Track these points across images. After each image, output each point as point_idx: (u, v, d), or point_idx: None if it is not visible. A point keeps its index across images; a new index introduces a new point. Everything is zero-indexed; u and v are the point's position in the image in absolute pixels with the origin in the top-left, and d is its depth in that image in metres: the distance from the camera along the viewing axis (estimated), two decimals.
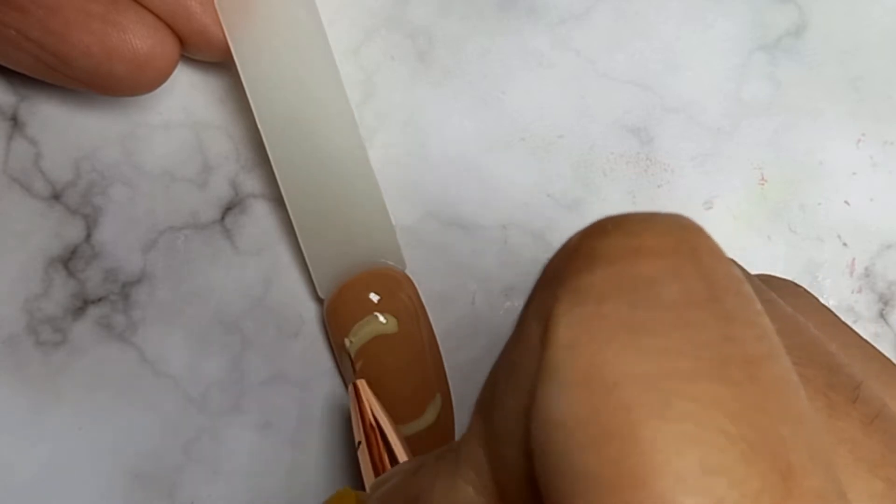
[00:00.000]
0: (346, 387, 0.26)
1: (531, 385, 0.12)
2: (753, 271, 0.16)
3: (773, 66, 0.28)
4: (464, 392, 0.26)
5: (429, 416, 0.25)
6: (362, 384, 0.23)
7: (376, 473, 0.22)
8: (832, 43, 0.28)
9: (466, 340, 0.26)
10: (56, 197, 0.26)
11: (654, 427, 0.11)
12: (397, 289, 0.25)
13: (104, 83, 0.24)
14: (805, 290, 0.18)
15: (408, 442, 0.24)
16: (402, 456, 0.22)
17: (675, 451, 0.11)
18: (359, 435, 0.23)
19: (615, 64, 0.28)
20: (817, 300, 0.18)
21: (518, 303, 0.27)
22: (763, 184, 0.28)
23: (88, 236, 0.26)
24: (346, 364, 0.25)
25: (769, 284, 0.16)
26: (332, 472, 0.26)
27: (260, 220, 0.27)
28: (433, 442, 0.25)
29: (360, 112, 0.27)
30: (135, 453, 0.25)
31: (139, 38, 0.23)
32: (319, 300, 0.26)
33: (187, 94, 0.27)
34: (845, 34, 0.28)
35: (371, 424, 0.22)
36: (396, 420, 0.25)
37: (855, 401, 0.14)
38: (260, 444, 0.26)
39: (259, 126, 0.25)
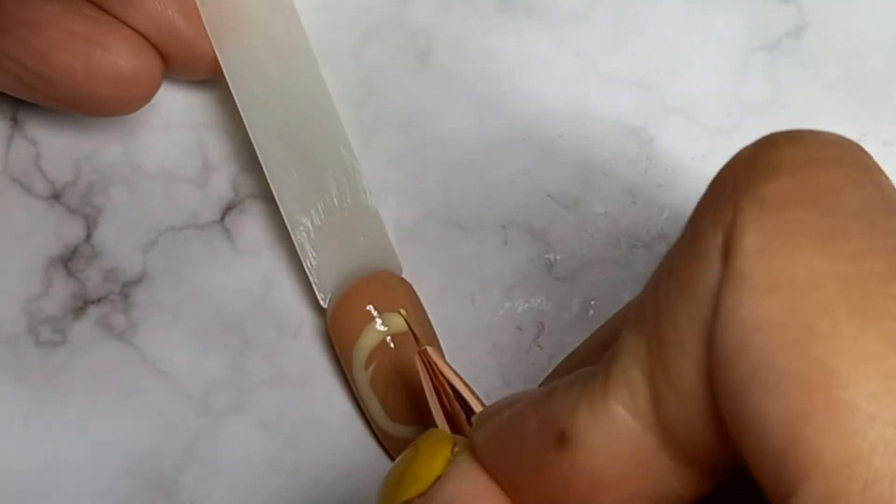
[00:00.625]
0: (354, 392, 0.26)
1: (713, 295, 0.12)
2: None
3: (773, 66, 0.28)
4: None
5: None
6: (430, 350, 0.22)
7: (451, 424, 0.21)
8: (832, 43, 0.28)
9: (466, 340, 0.26)
10: (56, 197, 0.26)
11: (859, 325, 0.11)
12: (397, 292, 0.25)
13: (88, 103, 0.24)
14: None
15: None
16: (479, 408, 0.21)
17: (881, 349, 0.11)
18: (431, 397, 0.21)
19: (615, 64, 0.28)
20: None
21: (518, 303, 0.27)
22: None
23: (88, 236, 0.26)
24: (360, 371, 0.25)
25: None
26: (332, 472, 0.26)
27: (260, 220, 0.27)
28: None
29: (360, 112, 0.27)
30: (135, 453, 0.25)
31: (123, 58, 0.23)
32: (319, 301, 0.26)
33: (187, 94, 0.27)
34: (845, 34, 0.28)
35: (441, 384, 0.21)
36: (414, 420, 0.25)
37: None
38: (260, 444, 0.26)
39: (251, 136, 0.25)
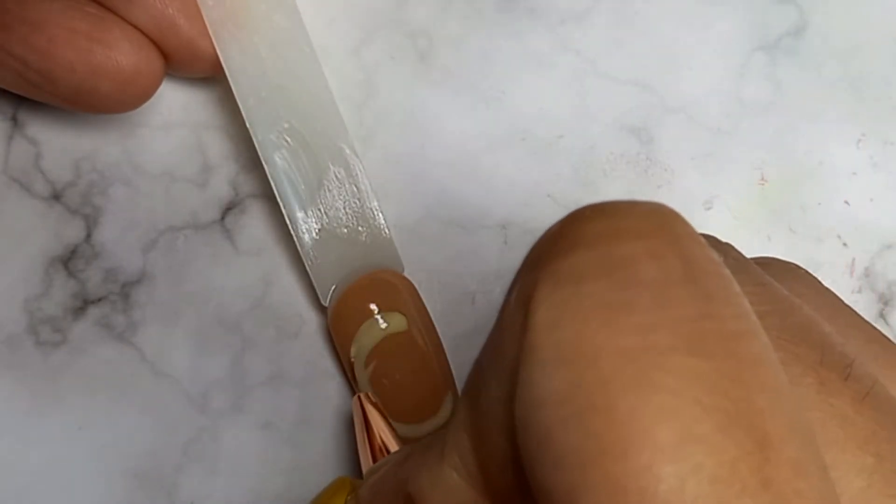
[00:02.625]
0: (354, 391, 0.26)
1: (513, 369, 0.13)
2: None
3: (773, 66, 0.28)
4: None
5: (445, 412, 0.25)
6: (364, 398, 0.23)
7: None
8: (832, 43, 0.28)
9: (466, 340, 0.27)
10: (56, 197, 0.26)
11: (633, 399, 0.11)
12: (398, 290, 0.25)
13: (88, 100, 0.24)
14: (807, 272, 0.18)
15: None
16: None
17: (653, 422, 0.11)
18: (363, 450, 0.23)
19: (615, 64, 0.28)
20: (819, 282, 0.18)
21: None
22: (763, 184, 0.28)
23: (88, 236, 0.26)
24: (360, 370, 0.25)
25: (770, 268, 0.17)
26: (332, 472, 0.26)
27: (260, 220, 0.27)
28: None
29: (360, 112, 0.27)
30: (135, 453, 0.25)
31: (124, 55, 0.23)
32: (319, 301, 0.26)
33: (187, 94, 0.27)
34: (845, 34, 0.28)
35: (379, 446, 0.23)
36: (415, 418, 0.25)
37: (847, 378, 0.14)
38: (260, 444, 0.26)
39: (252, 135, 0.25)
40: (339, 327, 0.25)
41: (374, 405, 0.23)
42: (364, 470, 0.23)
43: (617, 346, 0.12)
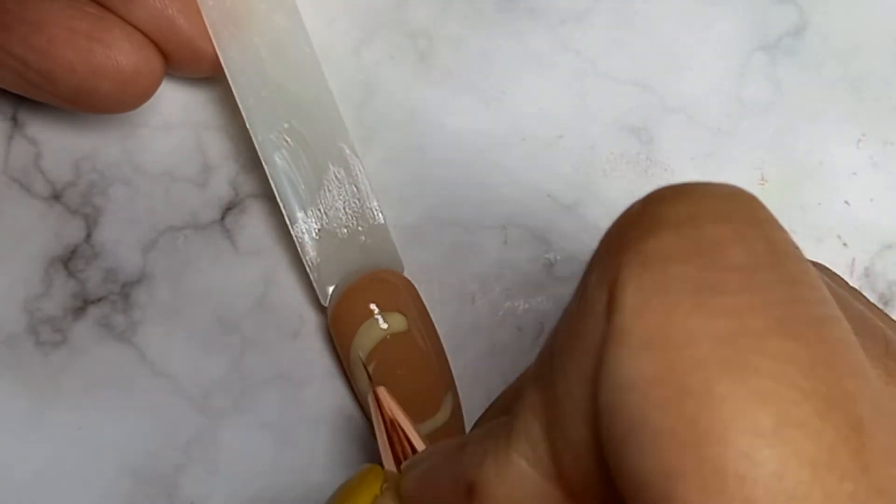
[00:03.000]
0: (354, 391, 0.26)
1: (597, 351, 0.12)
2: None
3: (773, 66, 0.28)
4: (465, 392, 0.26)
5: (445, 412, 0.25)
6: (382, 391, 0.23)
7: (398, 464, 0.22)
8: (832, 43, 0.28)
9: (466, 340, 0.27)
10: (56, 197, 0.26)
11: (730, 383, 0.11)
12: (398, 290, 0.25)
13: (88, 100, 0.24)
14: (833, 271, 0.18)
15: (427, 439, 0.24)
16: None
17: (751, 407, 0.11)
18: (380, 436, 0.23)
19: (615, 64, 0.28)
20: (844, 280, 0.18)
21: (518, 303, 0.27)
22: (763, 184, 0.28)
23: (88, 236, 0.26)
24: (359, 369, 0.25)
25: None
26: (333, 472, 0.26)
27: (260, 220, 0.27)
28: (451, 438, 0.25)
29: (360, 112, 0.27)
30: (135, 453, 0.25)
31: (124, 55, 0.23)
32: (319, 301, 0.26)
33: (187, 94, 0.27)
34: (845, 34, 0.28)
35: (392, 422, 0.22)
36: (415, 418, 0.25)
37: None
38: (260, 444, 0.26)
39: (252, 134, 0.25)
40: (339, 327, 0.25)
41: (391, 396, 0.23)
42: (385, 462, 0.22)
43: (710, 328, 0.12)
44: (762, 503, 0.11)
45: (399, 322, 0.25)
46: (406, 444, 0.22)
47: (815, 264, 0.18)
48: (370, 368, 0.25)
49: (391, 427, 0.23)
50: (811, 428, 0.11)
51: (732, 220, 0.13)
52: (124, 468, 0.25)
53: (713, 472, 0.11)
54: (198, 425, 0.26)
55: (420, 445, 0.22)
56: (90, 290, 0.26)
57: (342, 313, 0.25)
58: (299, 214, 0.25)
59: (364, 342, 0.25)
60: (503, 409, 0.18)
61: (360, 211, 0.26)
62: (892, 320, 0.17)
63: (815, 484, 0.11)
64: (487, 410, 0.22)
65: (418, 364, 0.25)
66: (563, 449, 0.13)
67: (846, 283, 0.18)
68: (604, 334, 0.12)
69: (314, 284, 0.26)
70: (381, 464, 0.21)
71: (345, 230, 0.26)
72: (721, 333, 0.11)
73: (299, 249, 0.25)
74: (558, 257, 0.27)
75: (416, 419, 0.25)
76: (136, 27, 0.24)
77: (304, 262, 0.25)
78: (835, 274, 0.18)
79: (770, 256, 0.12)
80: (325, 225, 0.25)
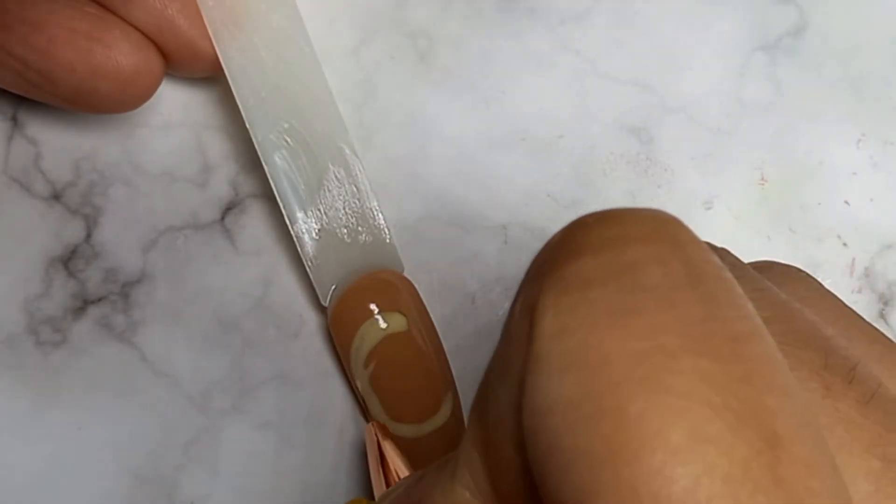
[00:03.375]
0: (354, 391, 0.26)
1: (521, 378, 0.13)
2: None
3: (773, 66, 0.28)
4: (465, 392, 0.26)
5: (445, 412, 0.25)
6: (375, 426, 0.23)
7: None
8: (832, 43, 0.28)
9: (466, 340, 0.27)
10: (56, 197, 0.26)
11: (643, 402, 0.11)
12: (398, 290, 0.25)
13: (88, 100, 0.24)
14: (808, 274, 0.18)
15: (426, 439, 0.25)
16: None
17: (664, 424, 0.11)
18: (377, 477, 0.23)
19: (615, 64, 0.28)
20: (821, 285, 0.18)
21: None
22: (763, 184, 0.28)
23: (88, 236, 0.26)
24: (360, 370, 0.25)
25: (769, 271, 0.17)
26: (332, 472, 0.26)
27: (260, 220, 0.27)
28: (450, 438, 0.25)
29: (360, 112, 0.27)
30: (135, 453, 0.25)
31: (124, 55, 0.23)
32: (319, 301, 0.26)
33: (187, 94, 0.27)
34: (845, 34, 0.28)
35: (393, 472, 0.23)
36: (414, 419, 0.25)
37: (851, 381, 0.14)
38: (260, 444, 0.26)
39: (252, 134, 0.25)
40: (339, 327, 0.25)
41: (386, 434, 0.23)
42: (377, 495, 0.23)
43: (626, 349, 0.12)
44: None
45: (399, 322, 0.25)
46: (398, 478, 0.23)
47: (776, 266, 0.18)
48: (370, 368, 0.25)
49: (386, 462, 0.23)
50: (723, 443, 0.11)
51: (650, 242, 0.13)
52: (124, 468, 0.25)
53: (628, 491, 0.11)
54: (198, 425, 0.26)
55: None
56: (90, 290, 0.26)
57: (342, 313, 0.25)
58: (299, 214, 0.25)
59: (364, 342, 0.25)
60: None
61: (360, 211, 0.26)
62: (866, 324, 0.17)
63: (728, 498, 0.11)
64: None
65: (418, 364, 0.25)
66: (499, 475, 0.14)
67: (815, 283, 0.18)
68: (525, 360, 0.13)
69: (314, 284, 0.26)
70: (371, 495, 0.22)
71: (345, 230, 0.26)
72: (635, 353, 0.12)
73: (299, 249, 0.25)
74: None
75: (415, 419, 0.25)
76: (135, 27, 0.24)
77: (304, 262, 0.25)
78: (800, 273, 0.18)
79: (688, 277, 0.12)
80: (325, 225, 0.26)
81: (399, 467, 0.23)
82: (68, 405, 0.26)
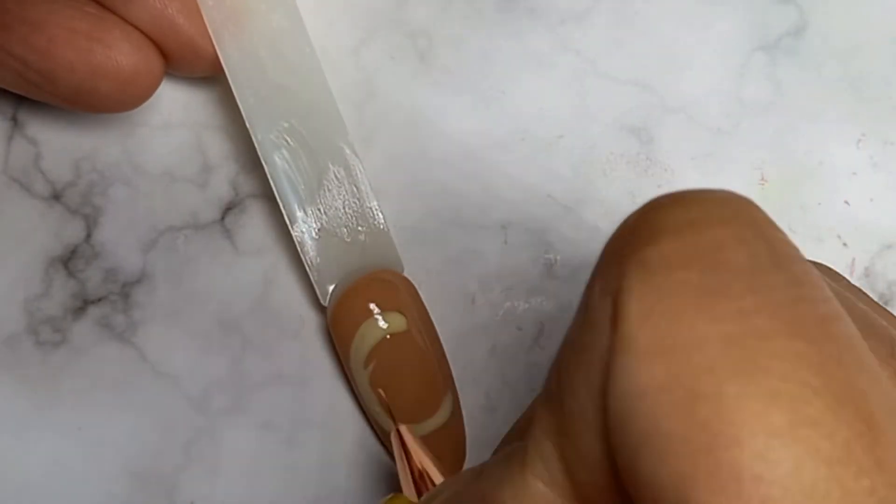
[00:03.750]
0: (354, 391, 0.26)
1: (604, 363, 0.13)
2: None
3: (773, 66, 0.28)
4: (465, 392, 0.26)
5: (444, 413, 0.25)
6: (404, 429, 0.23)
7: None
8: (832, 43, 0.28)
9: (466, 340, 0.27)
10: (56, 197, 0.26)
11: (741, 385, 0.11)
12: (398, 290, 0.25)
13: (88, 100, 0.24)
14: (836, 271, 0.18)
15: (426, 439, 0.24)
16: None
17: (763, 407, 0.11)
18: (406, 481, 0.23)
19: (615, 64, 0.28)
20: (846, 278, 0.18)
21: (518, 303, 0.27)
22: (763, 184, 0.28)
23: (88, 236, 0.26)
24: (360, 370, 0.25)
25: None
26: (332, 472, 0.26)
27: (260, 220, 0.27)
28: (449, 439, 0.25)
29: (360, 112, 0.27)
30: (135, 453, 0.25)
31: (124, 55, 0.23)
32: (319, 301, 0.26)
33: (187, 94, 0.27)
34: (845, 34, 0.28)
35: (419, 472, 0.23)
36: (414, 418, 0.25)
37: None
38: (260, 444, 0.26)
39: (251, 134, 0.25)
40: (338, 327, 0.25)
41: (412, 435, 0.23)
42: (406, 492, 0.23)
43: (718, 332, 0.12)
44: (780, 503, 0.11)
45: (399, 322, 0.25)
46: (427, 479, 0.23)
47: (817, 264, 0.18)
48: (370, 368, 0.25)
49: (412, 462, 0.23)
50: (825, 425, 0.11)
51: (731, 223, 0.13)
52: (124, 468, 0.25)
53: (729, 475, 0.11)
54: (198, 425, 0.26)
55: (438, 478, 0.22)
56: (90, 290, 0.26)
57: (342, 313, 0.25)
58: (299, 214, 0.25)
59: (364, 342, 0.25)
60: (518, 435, 0.18)
61: (360, 211, 0.26)
62: (891, 315, 0.17)
63: (833, 481, 0.11)
64: (503, 439, 0.22)
65: (418, 364, 0.25)
66: (576, 466, 0.13)
67: (848, 282, 0.18)
68: (610, 345, 0.12)
69: (314, 284, 0.26)
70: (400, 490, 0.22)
71: (345, 230, 0.26)
72: (728, 336, 0.11)
73: (299, 249, 0.25)
74: (558, 257, 0.27)
75: (415, 419, 0.25)
76: (135, 27, 0.24)
77: (304, 262, 0.25)
78: (837, 274, 0.19)
79: (771, 258, 0.12)
80: (324, 225, 0.25)
81: (427, 465, 0.22)
82: (68, 405, 0.26)
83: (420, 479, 0.23)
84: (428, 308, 0.26)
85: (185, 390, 0.26)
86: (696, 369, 0.11)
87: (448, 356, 0.26)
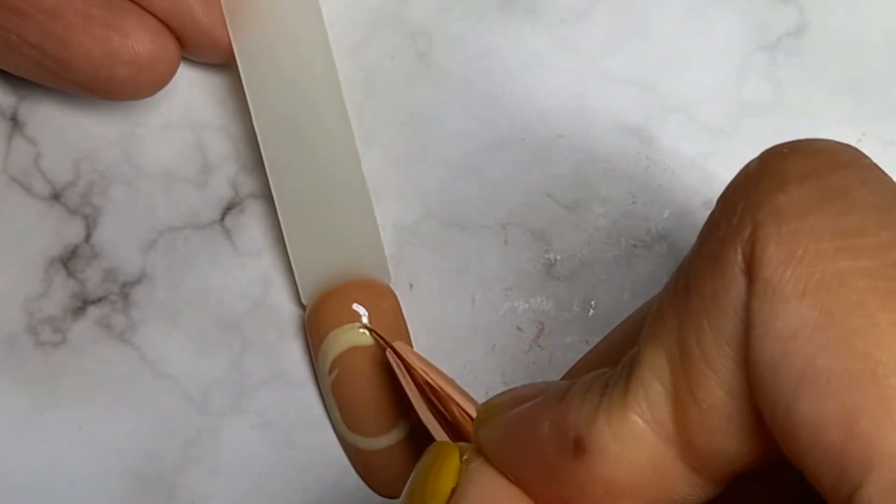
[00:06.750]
0: (321, 394, 0.26)
1: (738, 311, 0.13)
2: None
3: (773, 66, 0.28)
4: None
5: (397, 434, 0.25)
6: (400, 345, 0.22)
7: (443, 422, 0.22)
8: (832, 43, 0.28)
9: (466, 340, 0.26)
10: (56, 197, 0.26)
11: (893, 314, 0.12)
12: (379, 302, 0.25)
13: (105, 87, 0.24)
14: None
15: (380, 454, 0.24)
16: (465, 404, 0.22)
17: None
18: (412, 395, 0.22)
19: (615, 64, 0.28)
20: None
21: (518, 303, 0.27)
22: None
23: (88, 236, 0.26)
24: (323, 375, 0.25)
25: None
26: (332, 472, 0.26)
27: (260, 220, 0.27)
28: (390, 462, 0.25)
29: (360, 112, 0.27)
30: (135, 453, 0.25)
31: (140, 42, 0.23)
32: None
33: (187, 94, 0.27)
34: (845, 34, 0.28)
35: (422, 383, 0.22)
36: (369, 432, 0.24)
37: None
38: (260, 444, 0.26)
39: (256, 127, 0.25)
40: (312, 328, 0.25)
41: (409, 348, 0.23)
42: (433, 431, 0.22)
43: (861, 267, 0.12)
44: None
45: (365, 336, 0.24)
46: (452, 405, 0.21)
47: None
48: (333, 375, 0.24)
49: (416, 376, 0.22)
50: None
51: (851, 167, 0.13)
52: (124, 468, 0.25)
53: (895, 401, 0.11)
54: (198, 425, 0.26)
55: (458, 396, 0.21)
56: (90, 290, 0.26)
57: (316, 315, 0.25)
58: (293, 210, 0.25)
59: (330, 349, 0.24)
60: (600, 363, 0.18)
61: (355, 215, 0.26)
62: None
63: None
64: (578, 363, 0.21)
65: (382, 380, 0.24)
66: (690, 411, 0.14)
67: None
68: (747, 292, 0.13)
69: (298, 284, 0.25)
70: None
71: (335, 234, 0.25)
72: (871, 270, 0.12)
73: (288, 248, 0.25)
74: (558, 257, 0.27)
75: (370, 433, 0.24)
76: (152, 14, 0.24)
77: (291, 261, 0.25)
78: None
79: (893, 195, 0.13)
80: (316, 225, 0.25)
81: (430, 375, 0.22)
82: (68, 405, 0.26)
83: (428, 391, 0.22)
84: (427, 308, 0.26)
85: (185, 390, 0.26)
86: (846, 304, 0.12)
87: (448, 356, 0.26)
